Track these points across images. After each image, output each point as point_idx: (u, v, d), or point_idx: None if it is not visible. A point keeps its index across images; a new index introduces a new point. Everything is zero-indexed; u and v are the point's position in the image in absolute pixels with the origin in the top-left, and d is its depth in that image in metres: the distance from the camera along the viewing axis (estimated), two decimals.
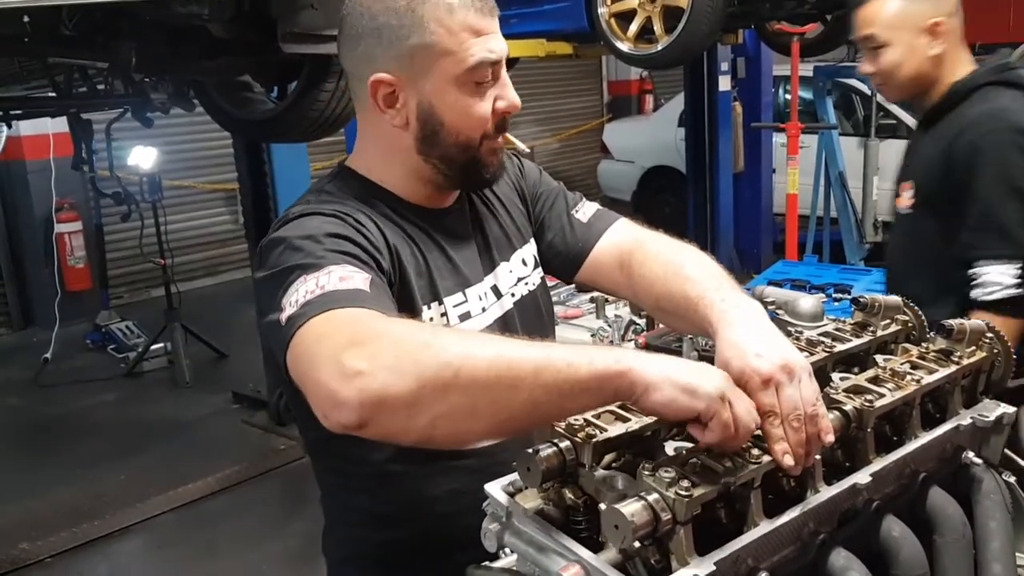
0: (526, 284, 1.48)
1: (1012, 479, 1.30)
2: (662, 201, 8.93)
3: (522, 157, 1.62)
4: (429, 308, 1.31)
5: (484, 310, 1.39)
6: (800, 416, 1.02)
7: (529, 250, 1.51)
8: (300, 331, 1.02)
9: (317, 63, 2.91)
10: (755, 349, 1.07)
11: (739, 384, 1.05)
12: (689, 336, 3.02)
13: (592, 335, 3.53)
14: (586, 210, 1.55)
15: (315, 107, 3.03)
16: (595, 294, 3.96)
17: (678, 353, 3.06)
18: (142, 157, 5.68)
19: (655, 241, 1.46)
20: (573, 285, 4.16)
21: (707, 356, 3.02)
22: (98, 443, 4.91)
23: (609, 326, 3.52)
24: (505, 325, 1.42)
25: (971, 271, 1.98)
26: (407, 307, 1.26)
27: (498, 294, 1.42)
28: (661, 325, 3.42)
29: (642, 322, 3.46)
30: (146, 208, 5.68)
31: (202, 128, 7.41)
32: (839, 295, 3.50)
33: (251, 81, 3.29)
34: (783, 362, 1.05)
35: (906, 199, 2.21)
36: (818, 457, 1.08)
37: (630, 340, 3.42)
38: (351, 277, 1.08)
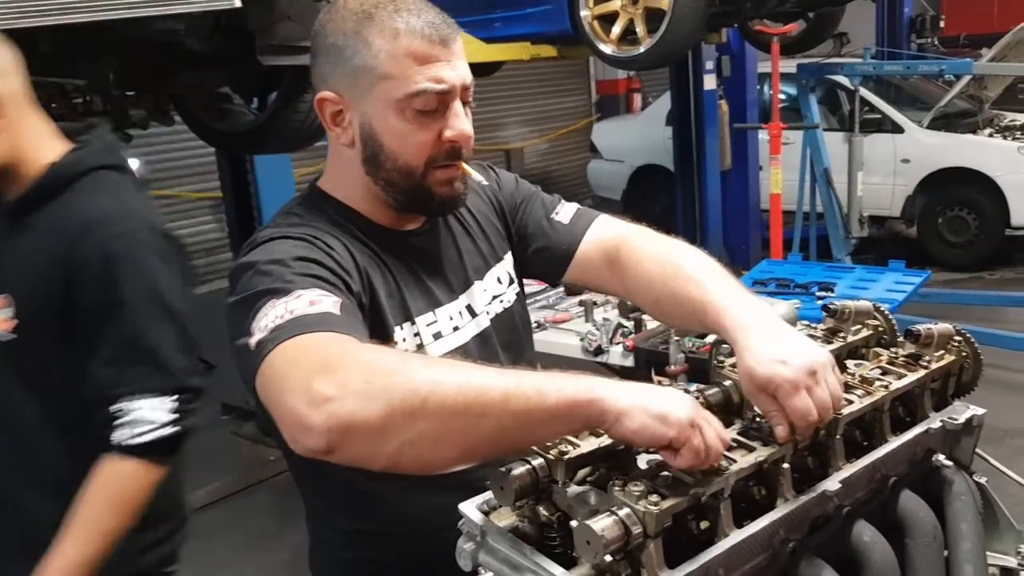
0: (501, 302, 1.49)
1: (983, 480, 1.32)
2: (652, 200, 8.94)
3: (498, 169, 1.61)
4: (401, 329, 1.31)
5: (457, 329, 1.39)
6: (835, 412, 1.11)
7: (504, 267, 1.51)
8: (269, 356, 1.02)
9: (296, 74, 2.92)
10: (778, 355, 1.10)
11: (768, 391, 1.09)
12: (676, 339, 3.04)
13: (581, 339, 3.54)
14: (565, 211, 1.55)
15: (296, 118, 3.04)
16: (584, 298, 3.97)
17: (665, 355, 3.08)
18: None
19: (643, 237, 1.46)
20: (562, 289, 4.20)
21: (694, 358, 3.06)
22: None
23: (598, 329, 3.53)
24: (483, 343, 1.42)
25: (114, 408, 1.55)
26: (378, 329, 1.26)
27: (473, 313, 1.42)
28: (650, 326, 3.44)
29: (630, 325, 3.47)
30: None
31: (187, 136, 7.35)
32: (823, 293, 3.53)
33: (231, 93, 3.30)
34: (808, 366, 1.10)
35: None
36: (786, 465, 1.10)
37: (618, 343, 3.43)
38: (321, 301, 1.09)
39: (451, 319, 1.39)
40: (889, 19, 10.29)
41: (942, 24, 11.53)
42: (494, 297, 1.48)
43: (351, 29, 1.23)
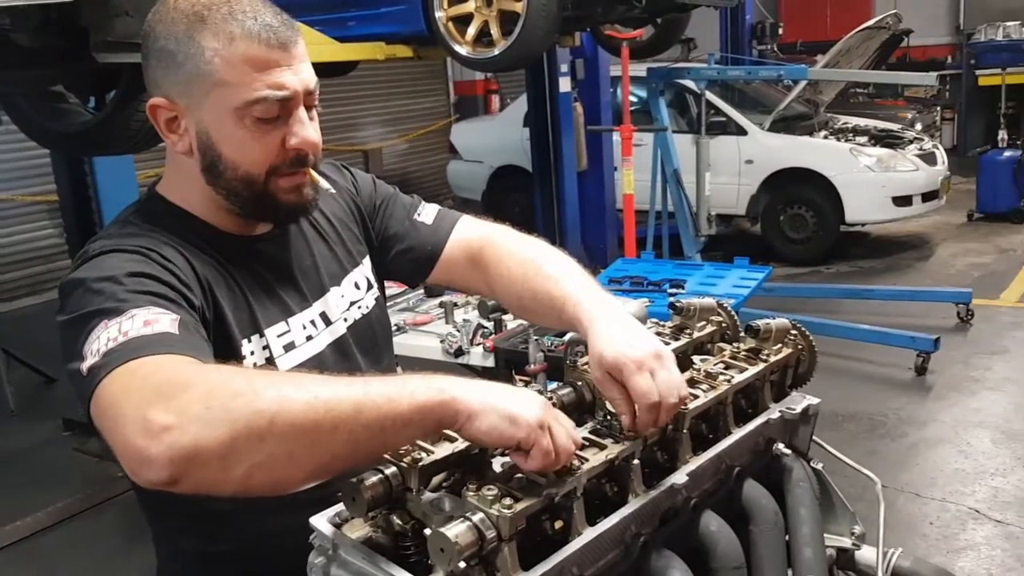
0: (359, 308, 1.45)
1: (819, 466, 1.39)
2: (512, 200, 9.04)
3: (354, 170, 1.57)
4: (249, 342, 1.26)
5: (310, 339, 1.34)
6: (677, 400, 1.12)
7: (362, 272, 1.48)
8: (103, 383, 0.96)
9: (136, 72, 2.76)
10: (628, 340, 1.14)
11: (614, 372, 1.11)
12: (535, 339, 3.07)
13: (441, 340, 3.53)
14: (428, 212, 1.53)
15: (137, 117, 2.89)
16: (444, 299, 3.96)
17: (525, 355, 3.11)
18: None
19: (505, 237, 1.47)
20: (422, 291, 4.18)
21: (552, 357, 3.10)
22: None
23: (458, 331, 3.53)
24: (340, 351, 1.39)
25: None
26: (225, 342, 1.21)
27: (327, 321, 1.38)
28: (510, 327, 3.47)
29: (490, 325, 3.49)
30: None
31: (19, 136, 6.93)
32: (674, 290, 3.65)
33: (65, 92, 3.10)
34: (655, 350, 1.13)
35: None
36: (637, 461, 1.13)
37: (479, 344, 3.44)
38: (157, 320, 1.03)
39: (304, 328, 1.34)
40: (732, 26, 10.77)
41: (781, 31, 12.17)
42: (352, 303, 1.44)
43: (182, 32, 1.16)
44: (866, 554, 1.38)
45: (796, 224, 7.76)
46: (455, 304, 3.89)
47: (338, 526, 1.03)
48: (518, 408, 0.99)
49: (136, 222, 1.25)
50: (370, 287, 1.50)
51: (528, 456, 0.99)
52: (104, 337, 1.01)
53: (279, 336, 1.30)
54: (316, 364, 1.33)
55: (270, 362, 1.27)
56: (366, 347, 1.45)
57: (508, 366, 3.25)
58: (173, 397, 0.90)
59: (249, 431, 0.89)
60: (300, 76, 1.21)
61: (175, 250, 1.20)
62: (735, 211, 8.01)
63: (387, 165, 11.48)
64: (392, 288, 4.46)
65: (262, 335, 1.28)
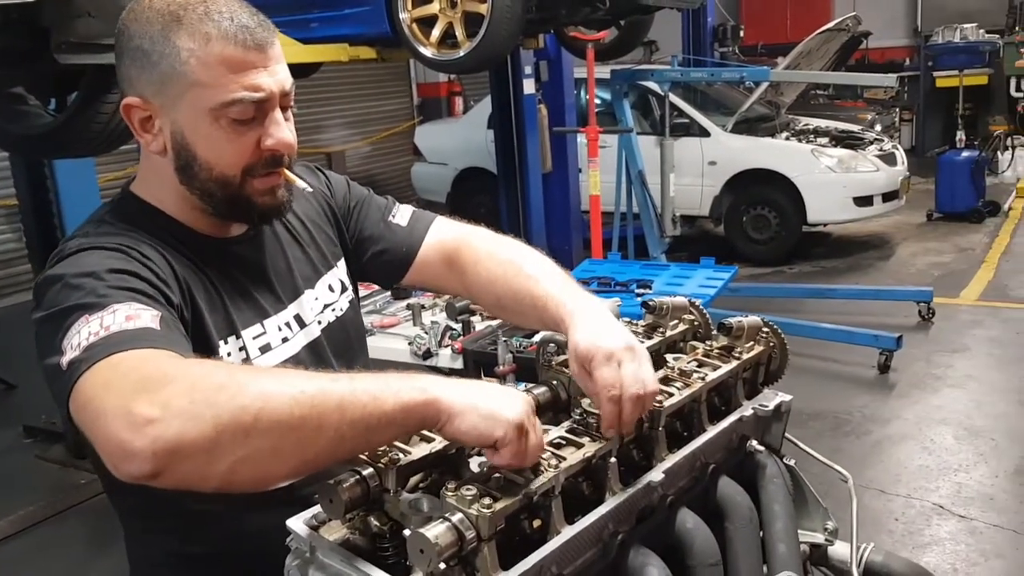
0: (333, 310, 1.45)
1: (792, 462, 1.41)
2: (477, 202, 9.03)
3: (328, 172, 1.56)
4: (226, 343, 1.25)
5: (286, 340, 1.34)
6: (643, 393, 1.11)
7: (336, 275, 1.48)
8: (83, 377, 0.95)
9: (98, 73, 2.73)
10: (601, 332, 1.16)
11: (585, 363, 1.12)
12: (503, 340, 3.08)
13: (409, 343, 3.52)
14: (402, 213, 1.53)
15: (99, 119, 2.84)
16: (411, 302, 3.95)
17: (493, 356, 3.11)
18: None
19: (481, 238, 1.48)
20: (389, 293, 4.16)
21: (521, 358, 3.10)
22: None
23: (426, 333, 3.52)
24: (314, 353, 1.38)
25: None
26: (202, 343, 1.20)
27: (302, 323, 1.38)
28: (478, 328, 3.46)
29: (458, 327, 3.48)
30: None
31: None
32: (641, 290, 3.67)
33: (25, 94, 3.04)
34: (627, 343, 1.15)
35: None
36: (614, 460, 1.13)
37: (447, 346, 3.44)
38: (138, 315, 1.02)
39: (280, 330, 1.34)
40: (694, 28, 10.85)
41: (742, 33, 12.31)
42: (326, 306, 1.44)
43: (158, 32, 1.15)
44: (839, 550, 1.39)
45: (759, 225, 7.84)
46: (422, 306, 3.89)
47: (315, 528, 1.02)
48: (498, 407, 1.00)
49: (112, 221, 1.24)
50: (344, 290, 1.49)
51: (497, 452, 1.00)
52: (85, 331, 0.99)
53: (255, 338, 1.29)
54: (292, 365, 1.32)
55: (246, 363, 1.26)
56: (339, 350, 1.44)
57: (477, 367, 3.25)
58: (157, 390, 0.90)
59: (234, 425, 0.89)
60: (276, 77, 1.20)
61: (153, 249, 1.20)
62: (698, 212, 8.07)
63: (351, 168, 11.41)
64: (359, 290, 4.45)
65: (238, 336, 1.27)
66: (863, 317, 5.89)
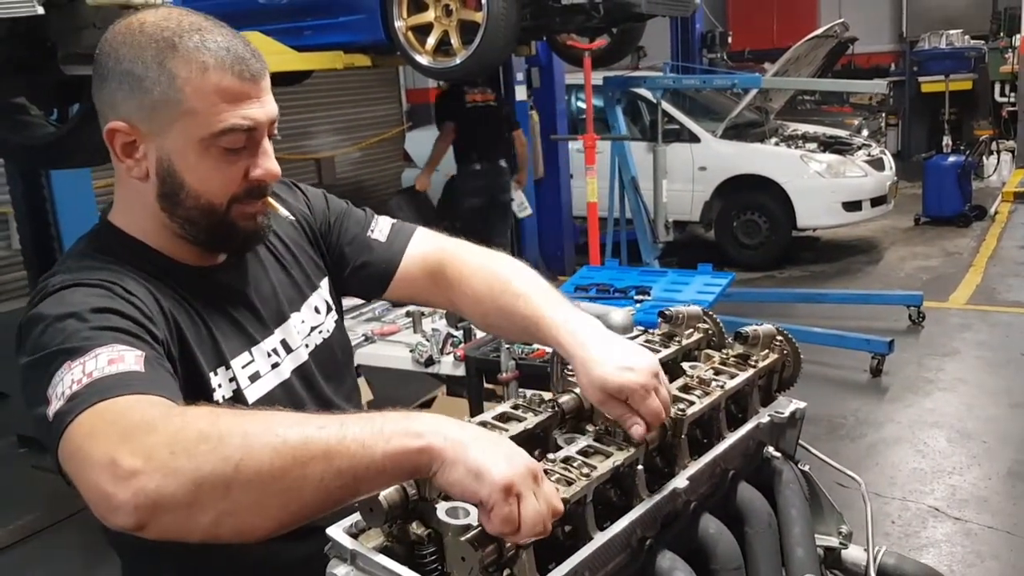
0: (320, 332, 1.44)
1: (806, 467, 1.44)
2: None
3: (304, 187, 1.54)
4: (216, 374, 1.24)
5: (275, 366, 1.33)
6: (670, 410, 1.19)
7: (321, 295, 1.47)
8: (69, 429, 0.95)
9: None
10: (623, 363, 1.17)
11: (621, 398, 1.14)
12: (506, 347, 3.10)
13: (411, 350, 3.53)
14: (382, 226, 1.52)
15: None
16: (411, 308, 3.96)
17: (496, 363, 3.13)
18: None
19: (465, 252, 1.47)
20: (387, 301, 4.17)
21: (524, 364, 3.11)
22: None
23: (428, 340, 3.53)
24: (303, 377, 1.38)
25: None
26: (192, 377, 1.19)
27: (288, 348, 1.37)
28: (479, 335, 3.48)
29: (459, 334, 3.50)
30: None
31: None
32: (640, 297, 3.70)
33: (27, 104, 3.04)
34: (652, 369, 1.18)
35: None
36: (640, 467, 1.16)
37: (449, 353, 3.46)
38: (121, 357, 1.01)
39: (268, 356, 1.33)
40: (683, 34, 10.93)
41: (730, 40, 12.39)
42: (312, 328, 1.43)
43: (151, 58, 1.14)
44: (852, 553, 1.43)
45: (749, 230, 7.90)
46: (423, 313, 3.90)
47: (354, 536, 1.04)
48: (488, 464, 0.91)
49: (93, 254, 1.22)
50: (329, 310, 1.48)
51: (489, 518, 0.92)
52: (68, 379, 0.99)
53: (243, 367, 1.28)
54: (283, 391, 1.32)
55: (237, 394, 1.26)
56: (328, 372, 1.44)
57: (479, 375, 3.27)
58: (139, 440, 0.89)
59: (214, 479, 0.87)
60: (266, 108, 1.21)
61: (137, 283, 1.18)
62: (689, 217, 8.13)
63: (340, 173, 11.41)
64: (356, 298, 4.46)
65: (228, 367, 1.26)
66: (853, 321, 5.95)
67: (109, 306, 1.10)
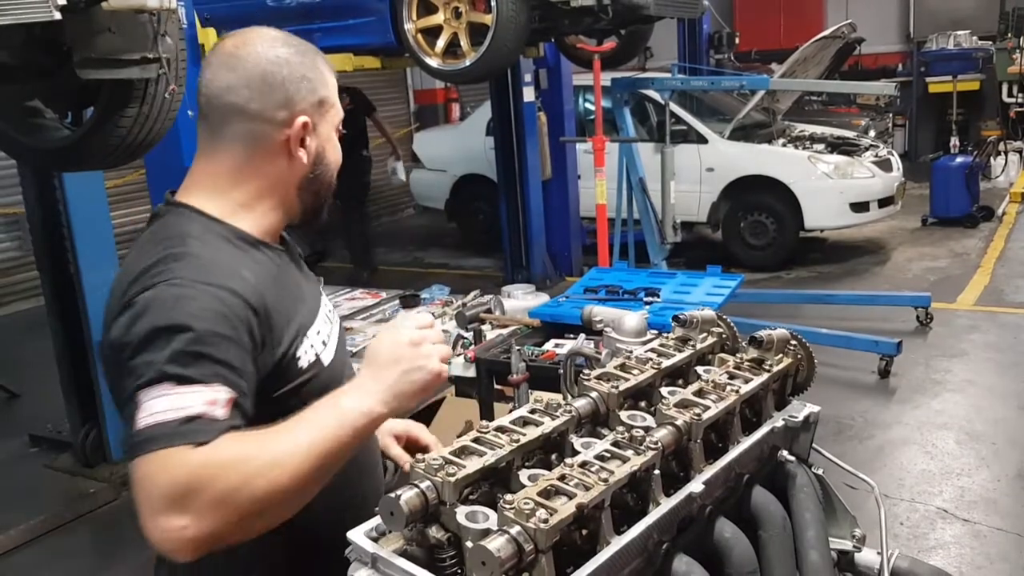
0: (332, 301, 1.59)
1: (820, 471, 1.45)
2: (475, 209, 9.09)
3: None
4: (301, 344, 1.32)
5: (331, 331, 1.44)
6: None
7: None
8: (141, 459, 1.07)
9: (118, 88, 2.76)
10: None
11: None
12: (517, 348, 3.11)
13: None
14: None
15: (117, 133, 2.86)
16: (420, 310, 3.98)
17: (507, 364, 3.14)
18: None
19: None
20: (398, 302, 4.20)
21: (534, 366, 3.12)
22: None
23: None
24: (341, 344, 1.48)
25: None
26: (282, 352, 1.28)
27: (329, 320, 1.47)
28: (489, 336, 3.49)
29: (469, 336, 3.51)
30: None
31: None
32: (650, 298, 3.70)
33: (42, 107, 3.06)
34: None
35: None
36: (657, 472, 1.17)
37: (459, 354, 3.47)
38: (215, 401, 1.11)
39: (326, 323, 1.43)
40: (690, 36, 10.92)
41: (737, 41, 12.38)
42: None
43: (310, 62, 1.36)
44: (865, 556, 1.44)
45: (756, 231, 7.88)
46: (432, 315, 3.91)
47: (374, 539, 1.06)
48: (394, 369, 1.19)
49: (197, 236, 1.27)
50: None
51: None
52: (164, 404, 1.09)
53: (317, 334, 1.38)
54: (340, 356, 1.43)
55: (318, 358, 1.35)
56: (341, 335, 1.53)
57: (490, 376, 3.28)
58: (186, 500, 1.04)
59: (252, 509, 1.07)
60: None
61: (240, 278, 1.24)
62: (696, 218, 8.12)
63: None
64: (366, 299, 4.48)
65: (307, 336, 1.35)
66: (861, 322, 5.94)
67: (225, 333, 1.17)
